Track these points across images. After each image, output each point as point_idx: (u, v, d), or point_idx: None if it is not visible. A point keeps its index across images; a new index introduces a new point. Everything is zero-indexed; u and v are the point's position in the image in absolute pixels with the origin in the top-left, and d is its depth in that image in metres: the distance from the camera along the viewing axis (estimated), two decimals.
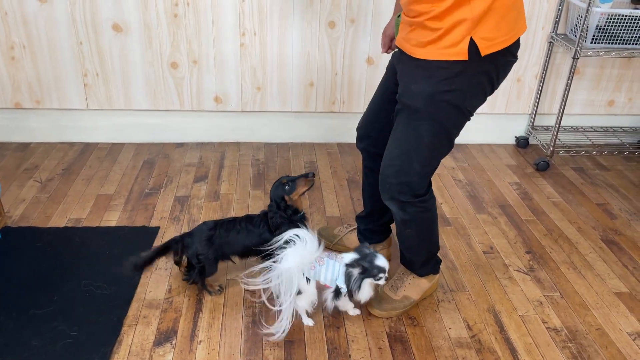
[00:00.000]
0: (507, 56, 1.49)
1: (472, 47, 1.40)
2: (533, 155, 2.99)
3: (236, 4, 2.64)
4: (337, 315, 1.82)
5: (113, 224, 2.25)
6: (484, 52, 1.41)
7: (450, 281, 2.00)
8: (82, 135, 2.91)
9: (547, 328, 1.80)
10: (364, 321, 1.80)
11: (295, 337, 1.73)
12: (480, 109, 2.96)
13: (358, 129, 1.89)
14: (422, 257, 1.82)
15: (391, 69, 1.72)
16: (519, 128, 3.09)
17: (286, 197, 1.82)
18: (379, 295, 1.85)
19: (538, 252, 2.19)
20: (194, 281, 1.84)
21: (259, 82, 2.84)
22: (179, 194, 2.48)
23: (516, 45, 1.50)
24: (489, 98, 3.16)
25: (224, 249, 1.83)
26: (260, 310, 1.82)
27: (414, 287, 1.85)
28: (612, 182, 2.74)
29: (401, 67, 1.59)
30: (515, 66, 2.87)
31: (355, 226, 2.11)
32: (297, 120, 2.98)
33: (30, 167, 2.66)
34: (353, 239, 2.10)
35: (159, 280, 1.93)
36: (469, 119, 1.58)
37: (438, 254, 1.89)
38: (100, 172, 2.63)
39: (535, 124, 3.05)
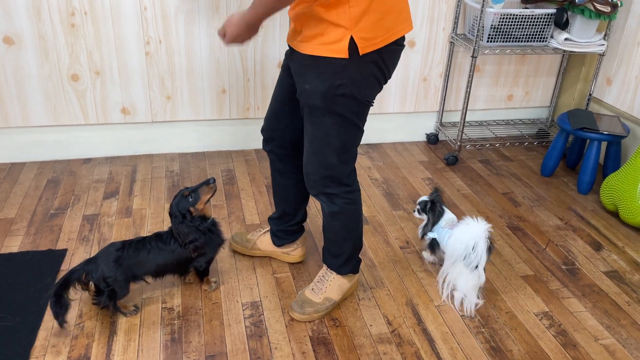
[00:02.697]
0: (391, 45, 1.53)
1: (353, 45, 1.45)
2: (443, 150, 3.12)
3: (138, 12, 2.55)
4: (260, 324, 1.80)
5: (15, 249, 2.10)
6: (362, 51, 1.47)
7: (369, 279, 2.04)
8: None
9: (461, 316, 1.88)
10: (287, 327, 1.80)
11: (216, 351, 1.69)
12: (391, 109, 3.07)
13: (262, 131, 1.89)
14: (347, 251, 1.84)
15: (285, 67, 1.75)
16: (429, 125, 3.21)
17: (191, 209, 1.78)
18: (300, 298, 1.85)
19: None
20: (105, 305, 1.75)
21: (168, 91, 2.76)
22: (87, 212, 2.36)
23: (395, 52, 1.57)
24: (399, 98, 3.24)
25: (134, 269, 1.76)
26: (179, 327, 1.77)
27: (335, 287, 1.87)
28: (515, 171, 2.92)
29: (293, 65, 1.62)
30: (420, 66, 3.00)
31: (268, 228, 2.11)
32: (211, 128, 2.93)
33: None
34: (267, 240, 2.10)
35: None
36: (370, 106, 1.63)
37: (359, 254, 1.92)
38: None
39: (443, 121, 3.18)
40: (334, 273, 1.88)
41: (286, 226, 2.03)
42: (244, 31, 1.53)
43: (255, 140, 3.00)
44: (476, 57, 2.73)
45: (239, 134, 2.98)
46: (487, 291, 2.01)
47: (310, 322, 1.82)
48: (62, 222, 2.28)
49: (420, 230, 2.10)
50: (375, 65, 1.53)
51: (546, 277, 2.10)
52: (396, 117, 3.12)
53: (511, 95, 3.24)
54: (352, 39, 1.44)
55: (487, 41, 2.77)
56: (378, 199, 2.58)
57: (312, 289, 1.87)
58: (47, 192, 2.50)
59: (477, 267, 1.85)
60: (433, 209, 2.04)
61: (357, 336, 1.78)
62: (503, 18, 2.72)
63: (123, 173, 2.69)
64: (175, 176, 2.70)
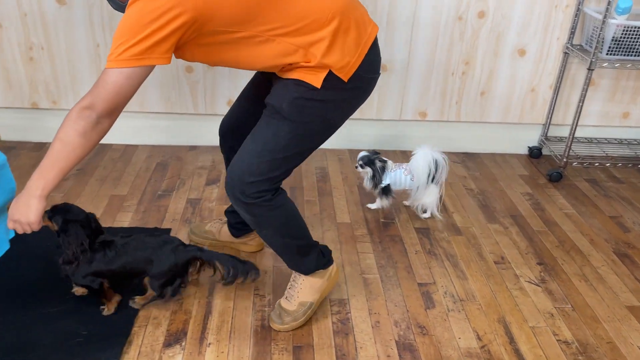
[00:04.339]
0: (369, 73, 1.58)
1: (331, 77, 1.49)
2: (546, 165, 2.97)
3: None
4: (347, 322, 1.82)
5: (126, 224, 2.27)
6: (347, 77, 1.50)
7: (460, 291, 2.00)
8: None
9: (557, 340, 1.79)
10: (373, 328, 1.80)
11: (303, 342, 1.73)
12: (493, 118, 2.98)
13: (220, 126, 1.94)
14: (292, 254, 1.74)
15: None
16: (532, 138, 3.08)
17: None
18: (277, 308, 1.80)
19: (550, 263, 2.17)
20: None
21: None
22: (191, 196, 2.49)
23: (374, 58, 1.58)
24: (502, 107, 3.14)
25: None
26: (269, 315, 1.82)
27: (308, 289, 1.78)
28: (626, 194, 2.72)
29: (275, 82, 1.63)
30: (530, 76, 2.88)
31: (226, 219, 2.11)
32: None
33: None
34: (225, 232, 2.10)
35: None
36: (331, 133, 1.63)
37: (325, 244, 1.83)
38: (114, 173, 2.66)
39: (548, 135, 3.03)
40: (302, 276, 1.78)
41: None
42: (24, 206, 1.56)
43: (349, 141, 3.03)
44: (593, 70, 2.58)
45: (335, 133, 3.01)
46: (588, 318, 1.89)
47: (290, 331, 1.76)
48: (168, 203, 2.43)
49: (368, 183, 2.37)
50: (351, 92, 1.56)
51: None
52: (497, 127, 3.01)
53: (627, 112, 3.02)
54: (330, 73, 1.48)
55: (607, 54, 2.61)
56: (473, 210, 2.51)
57: (286, 297, 1.80)
58: (156, 174, 2.67)
59: (437, 182, 2.33)
60: (375, 163, 2.32)
61: (445, 347, 1.74)
62: (626, 30, 2.55)
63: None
64: None
